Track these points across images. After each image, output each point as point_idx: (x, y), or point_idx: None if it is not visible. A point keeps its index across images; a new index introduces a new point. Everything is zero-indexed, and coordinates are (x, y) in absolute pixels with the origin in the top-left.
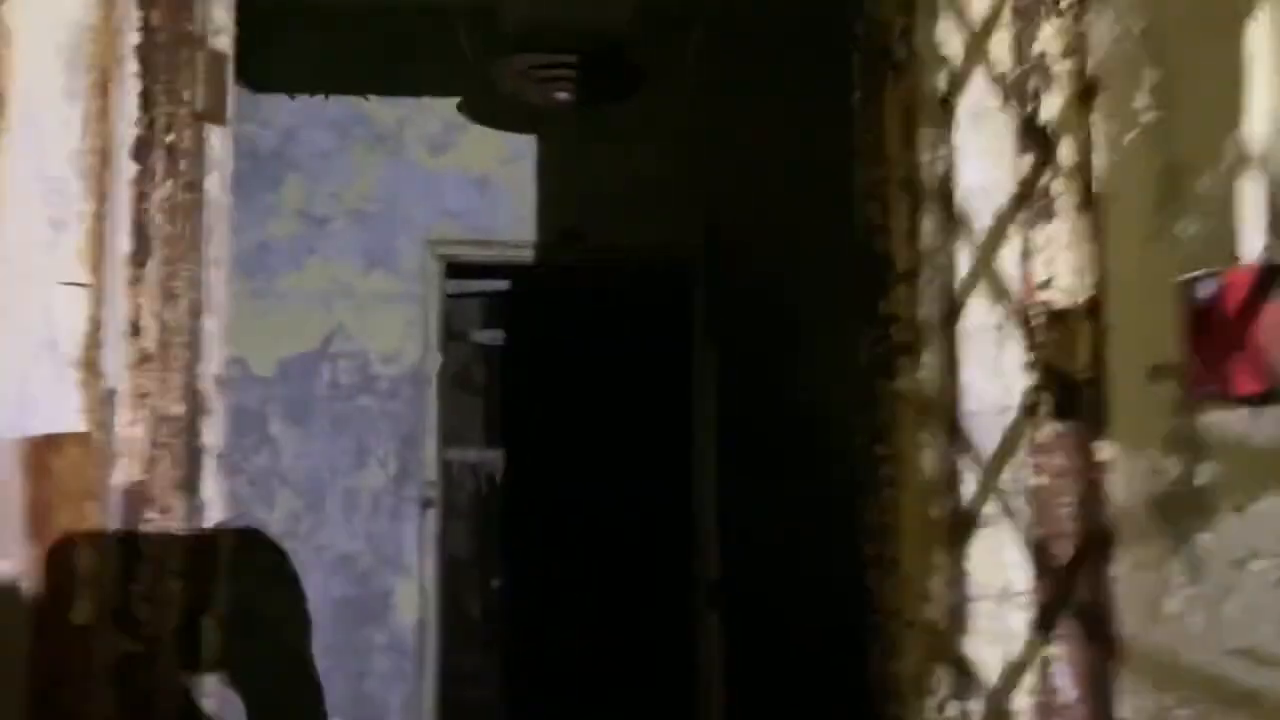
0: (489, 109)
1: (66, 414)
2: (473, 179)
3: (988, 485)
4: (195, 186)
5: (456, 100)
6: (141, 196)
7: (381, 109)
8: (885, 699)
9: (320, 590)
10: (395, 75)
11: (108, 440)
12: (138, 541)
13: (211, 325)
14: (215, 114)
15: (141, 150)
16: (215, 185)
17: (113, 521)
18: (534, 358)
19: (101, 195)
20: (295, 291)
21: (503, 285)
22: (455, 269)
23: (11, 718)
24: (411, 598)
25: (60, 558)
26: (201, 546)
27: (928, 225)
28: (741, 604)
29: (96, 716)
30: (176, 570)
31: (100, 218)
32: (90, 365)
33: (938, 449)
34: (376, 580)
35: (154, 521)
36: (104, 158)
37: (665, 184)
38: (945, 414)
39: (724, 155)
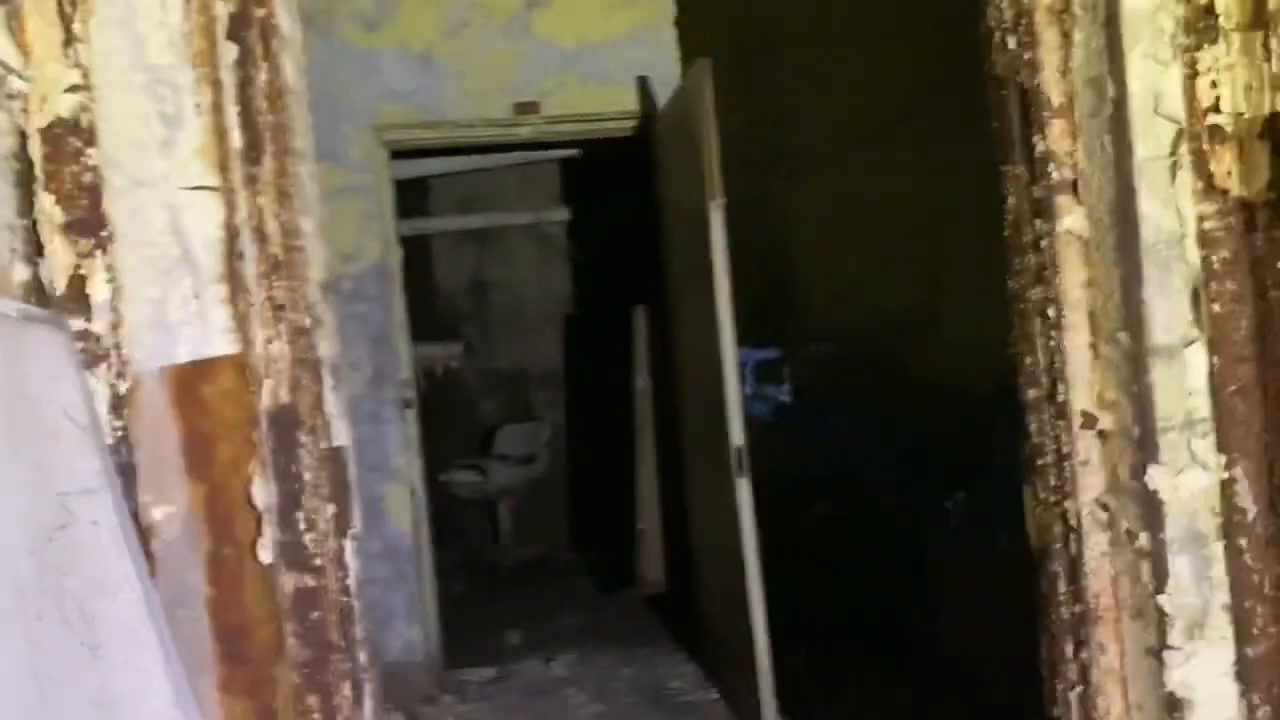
0: None
1: (212, 336)
2: (414, 56)
3: (1170, 316)
4: (282, 71)
5: None
6: (246, 82)
7: None
8: (1055, 539)
9: None
10: None
11: (257, 361)
12: (298, 468)
13: (309, 226)
14: None
15: (238, 28)
16: (291, 68)
17: (272, 450)
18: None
19: (215, 83)
20: None
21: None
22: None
23: (202, 668)
24: (402, 500)
25: (233, 494)
26: (339, 465)
27: (1081, 55)
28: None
29: (288, 660)
30: (327, 495)
31: (218, 109)
32: (233, 278)
33: (1110, 286)
34: (365, 488)
35: (305, 445)
36: (210, 39)
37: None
38: (1119, 249)
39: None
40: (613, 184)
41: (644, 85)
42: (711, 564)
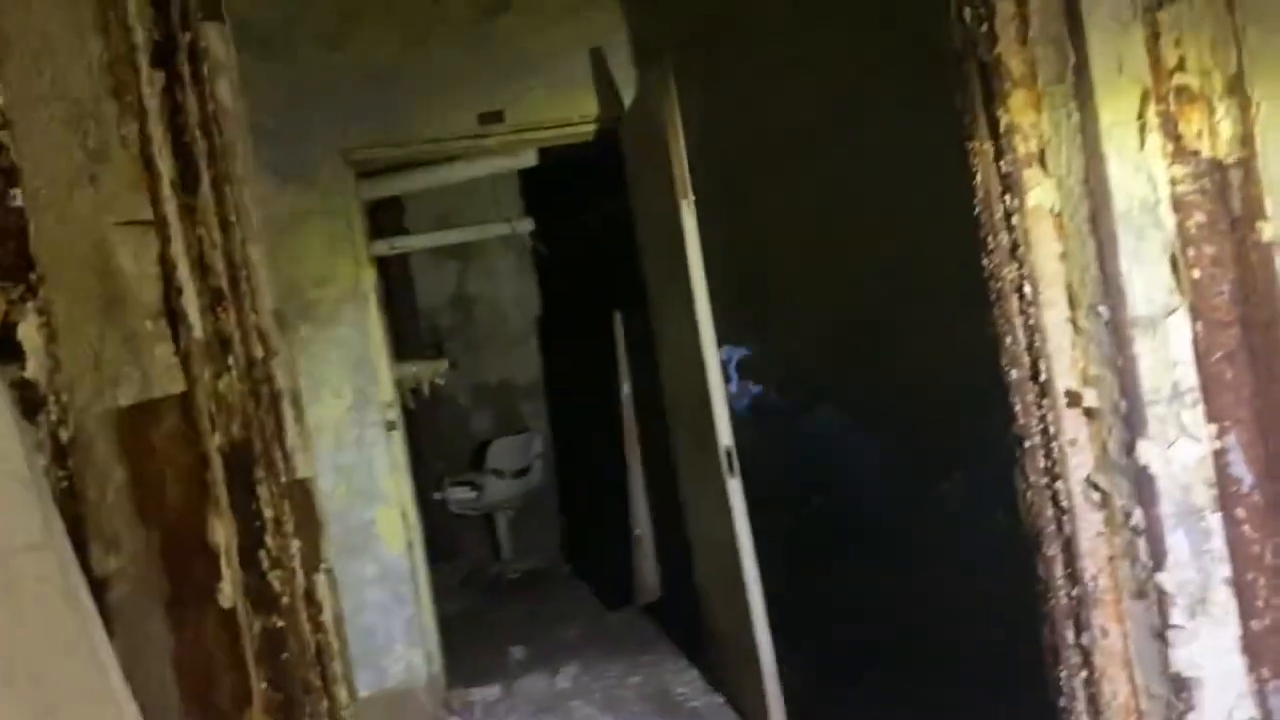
0: None
1: (155, 375)
2: (376, 73)
3: (1149, 286)
4: (215, 95)
5: None
6: (176, 110)
7: (261, 9)
8: (1048, 522)
9: None
10: None
11: (205, 397)
12: (256, 505)
13: (257, 253)
14: (212, 7)
15: (163, 55)
16: (225, 92)
17: (227, 488)
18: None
19: (141, 112)
20: None
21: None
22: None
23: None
24: (394, 523)
25: (188, 538)
26: (304, 498)
27: (1038, 23)
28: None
29: (259, 705)
30: (291, 530)
31: (146, 139)
32: (172, 313)
33: (1086, 258)
34: (354, 513)
35: (263, 480)
36: (133, 67)
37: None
38: (1092, 219)
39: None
40: (585, 189)
41: (610, 85)
42: (708, 567)
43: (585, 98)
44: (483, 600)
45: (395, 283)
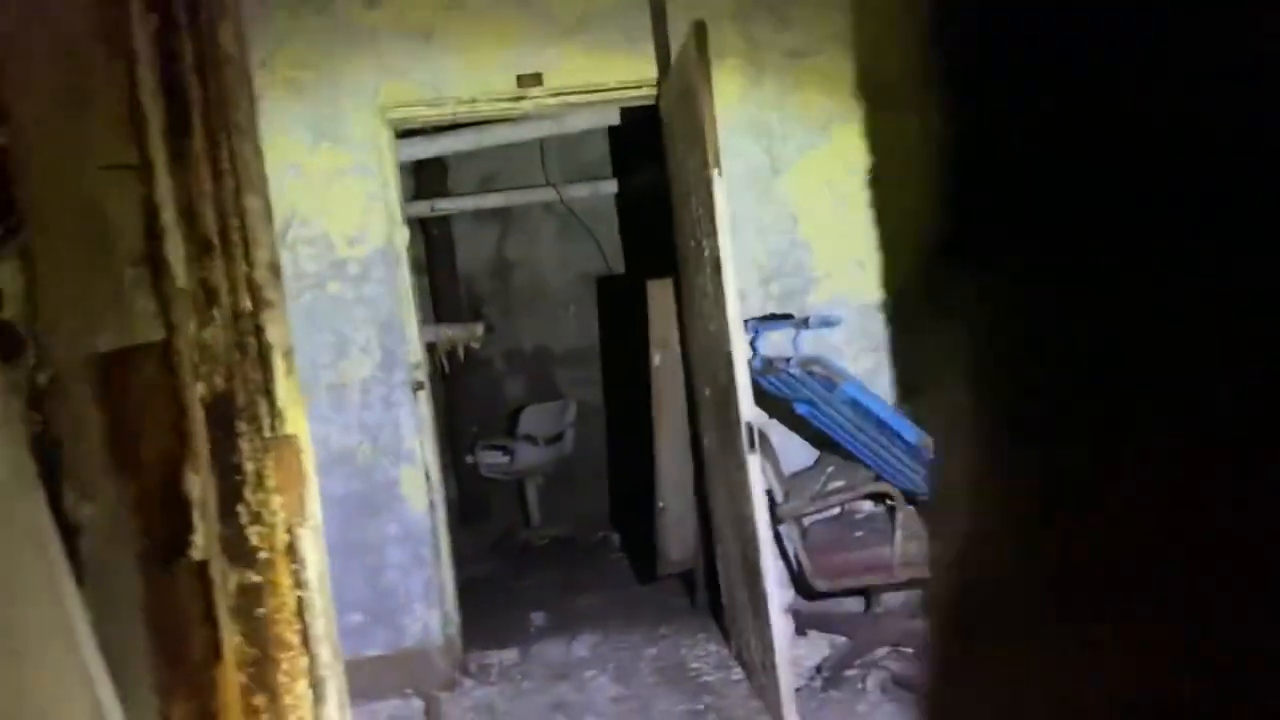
0: None
1: (136, 322)
2: (415, 32)
3: None
4: (216, 40)
5: None
6: (170, 55)
7: None
8: None
9: (321, 489)
10: None
11: (187, 347)
12: (237, 459)
13: (255, 204)
14: None
15: None
16: (229, 38)
17: (206, 440)
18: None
19: (130, 54)
20: None
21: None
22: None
23: (137, 670)
24: (418, 484)
25: (164, 489)
26: (290, 455)
27: None
28: None
29: (232, 660)
30: (275, 485)
31: (134, 83)
32: (156, 261)
33: None
34: (379, 472)
35: (245, 434)
36: (123, 8)
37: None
38: None
39: None
40: (643, 154)
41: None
42: (729, 541)
43: (624, 62)
44: (510, 565)
45: (436, 245)
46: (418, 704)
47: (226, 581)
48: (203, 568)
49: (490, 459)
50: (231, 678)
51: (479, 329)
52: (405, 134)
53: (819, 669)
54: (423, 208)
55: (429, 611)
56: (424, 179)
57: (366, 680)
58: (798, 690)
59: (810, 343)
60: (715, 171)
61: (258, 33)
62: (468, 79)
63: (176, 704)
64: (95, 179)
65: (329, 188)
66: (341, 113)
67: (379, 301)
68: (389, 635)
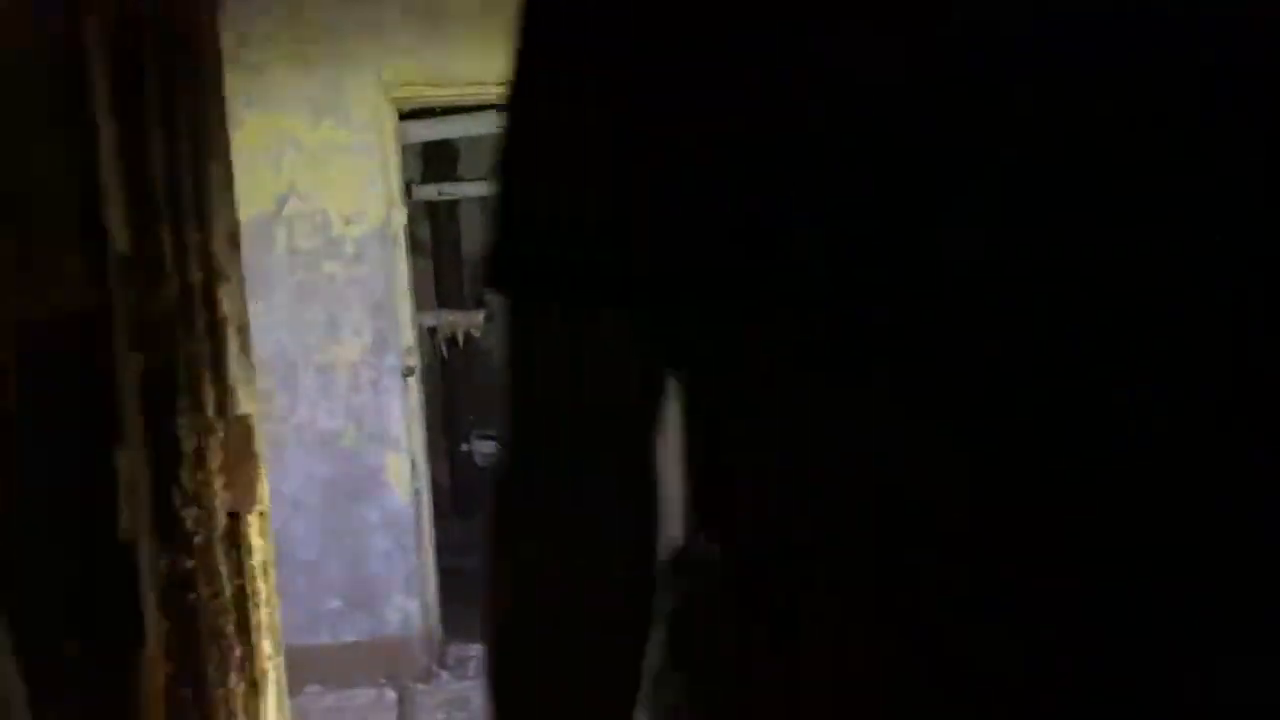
0: None
1: (70, 288)
2: (421, 10)
3: None
4: None
5: None
6: (119, 6)
7: None
8: None
9: (304, 472)
10: None
11: (126, 317)
12: (173, 437)
13: (217, 171)
14: None
15: None
16: None
17: (143, 416)
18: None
19: (71, 9)
20: (235, 149)
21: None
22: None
23: (55, 645)
24: (403, 472)
25: (88, 465)
26: (239, 435)
27: None
28: None
29: (149, 643)
30: (217, 466)
31: (75, 39)
32: (88, 224)
33: None
34: (364, 457)
35: (184, 411)
36: None
37: None
38: None
39: None
40: None
41: None
42: None
43: None
44: None
45: (443, 230)
46: (391, 695)
47: (155, 565)
48: (125, 550)
49: (484, 448)
50: (157, 666)
51: (479, 316)
52: (415, 115)
53: None
54: (430, 191)
55: (409, 601)
56: (434, 163)
57: (342, 667)
58: None
59: None
60: None
61: (265, 4)
62: (476, 61)
63: (94, 691)
64: (30, 135)
65: (328, 165)
66: (344, 90)
67: (373, 283)
68: (367, 622)
